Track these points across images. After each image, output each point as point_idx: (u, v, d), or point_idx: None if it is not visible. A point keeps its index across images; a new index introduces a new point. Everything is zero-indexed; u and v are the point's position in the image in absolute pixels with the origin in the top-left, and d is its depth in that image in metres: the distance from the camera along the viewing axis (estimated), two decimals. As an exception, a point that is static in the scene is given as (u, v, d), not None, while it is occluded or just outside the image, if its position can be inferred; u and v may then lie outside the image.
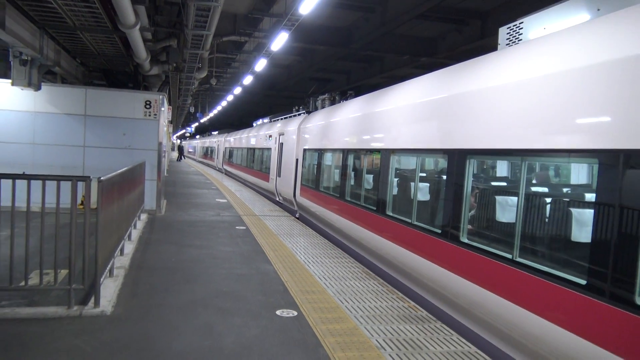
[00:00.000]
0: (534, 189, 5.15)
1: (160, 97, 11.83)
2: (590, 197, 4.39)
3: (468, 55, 7.20)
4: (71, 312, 4.84)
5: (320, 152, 11.81)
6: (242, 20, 15.66)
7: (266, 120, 23.20)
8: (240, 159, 26.31)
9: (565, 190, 5.41)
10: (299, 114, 16.21)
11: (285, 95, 31.63)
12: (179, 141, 68.78)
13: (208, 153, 46.47)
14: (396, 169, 7.73)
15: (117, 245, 6.47)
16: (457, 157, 5.74)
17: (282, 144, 16.24)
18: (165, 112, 14.25)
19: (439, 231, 6.00)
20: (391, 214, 7.55)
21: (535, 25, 5.75)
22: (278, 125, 17.77)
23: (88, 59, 13.32)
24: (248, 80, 19.86)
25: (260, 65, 15.65)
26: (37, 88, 9.99)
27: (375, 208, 8.09)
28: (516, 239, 4.67)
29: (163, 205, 12.72)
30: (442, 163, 6.31)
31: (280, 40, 11.89)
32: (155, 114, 11.68)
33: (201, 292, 5.86)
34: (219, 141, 37.77)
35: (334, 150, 10.89)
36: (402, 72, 19.78)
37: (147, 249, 8.01)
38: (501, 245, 4.93)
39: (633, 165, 3.50)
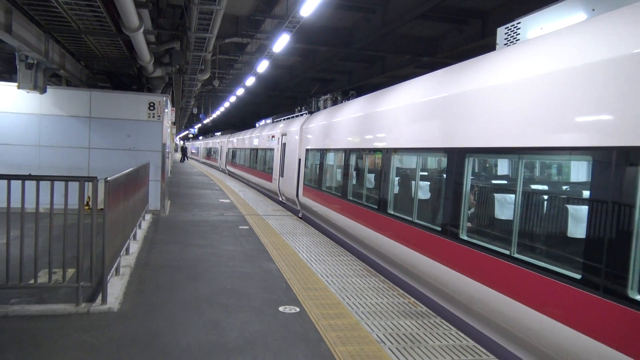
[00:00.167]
0: (530, 186, 5.25)
1: (164, 98, 11.97)
2: (585, 193, 4.49)
3: (469, 55, 7.30)
4: (79, 309, 4.98)
5: (323, 152, 11.92)
6: (244, 22, 15.80)
7: (269, 120, 23.34)
8: (243, 160, 26.45)
9: (560, 187, 5.51)
10: (302, 115, 16.33)
11: (288, 95, 31.76)
12: (182, 142, 69.00)
13: (211, 154, 46.66)
14: (397, 168, 7.84)
15: (123, 244, 6.60)
16: (456, 156, 5.85)
17: (284, 144, 16.36)
18: (169, 114, 14.40)
19: (439, 229, 6.11)
20: (392, 212, 7.66)
21: (532, 25, 5.84)
22: (280, 126, 17.89)
23: (92, 62, 13.49)
24: (250, 81, 19.99)
25: (262, 66, 15.78)
26: (43, 91, 10.15)
27: (376, 207, 8.20)
28: (514, 236, 4.77)
29: (167, 205, 12.86)
30: (442, 162, 6.42)
31: (281, 42, 12.02)
32: (159, 116, 11.82)
33: (206, 290, 5.98)
34: (222, 142, 37.93)
35: (336, 150, 11.00)
36: (403, 72, 19.88)
37: (152, 248, 8.15)
38: (499, 242, 5.03)
39: (626, 162, 3.60)
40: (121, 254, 6.46)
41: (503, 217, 5.29)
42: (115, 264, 5.99)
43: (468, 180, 5.68)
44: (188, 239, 9.09)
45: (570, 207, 4.56)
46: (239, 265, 7.29)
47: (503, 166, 6.15)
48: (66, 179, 5.07)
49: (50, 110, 11.25)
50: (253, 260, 7.60)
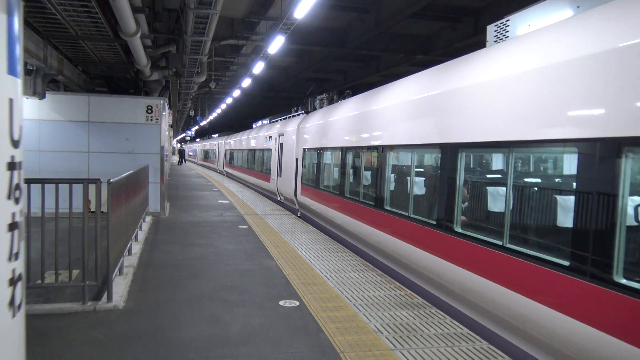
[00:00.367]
0: (519, 178, 5.41)
1: (162, 102, 12.12)
2: (571, 184, 4.65)
3: (462, 52, 7.46)
4: (86, 307, 5.13)
5: (320, 151, 12.08)
6: (239, 24, 15.93)
7: (265, 121, 23.47)
8: (241, 161, 26.59)
9: (548, 178, 5.68)
10: (298, 115, 16.48)
11: (284, 96, 31.86)
12: (179, 145, 69.03)
13: (209, 156, 46.75)
14: (392, 165, 8.01)
15: (125, 245, 6.76)
16: (449, 151, 6.01)
17: (282, 144, 16.51)
18: (167, 117, 14.54)
19: (434, 222, 6.27)
20: (389, 208, 7.82)
21: (520, 23, 6.00)
22: (277, 126, 18.04)
23: (90, 67, 13.62)
24: (246, 82, 20.12)
25: (258, 68, 15.92)
26: (42, 96, 10.28)
27: (373, 203, 8.37)
28: (505, 227, 4.93)
29: (167, 207, 13.01)
30: (436, 157, 6.58)
31: (276, 44, 12.17)
32: (156, 119, 11.97)
33: (207, 287, 6.14)
34: (219, 144, 38.05)
35: (333, 149, 11.16)
36: (398, 70, 20.02)
37: (154, 248, 8.30)
38: (492, 233, 5.19)
39: (609, 153, 3.76)
40: (124, 254, 6.61)
41: (495, 209, 5.46)
42: (119, 264, 6.14)
43: (461, 174, 5.85)
44: (188, 239, 9.24)
45: (557, 197, 4.73)
46: (239, 263, 7.45)
47: (493, 160, 6.32)
48: (70, 182, 5.22)
49: (49, 115, 11.38)
50: (253, 258, 7.76)
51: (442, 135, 6.23)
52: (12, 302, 1.25)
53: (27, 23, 8.41)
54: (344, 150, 10.19)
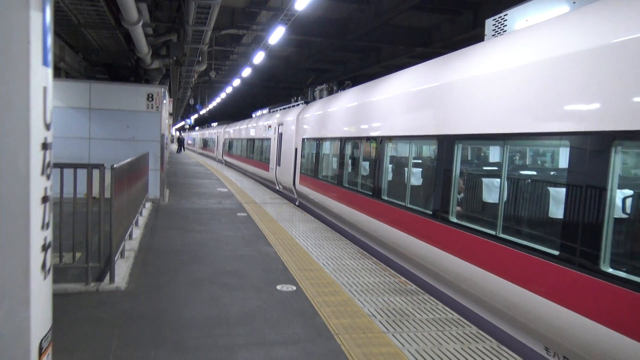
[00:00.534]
0: (513, 170, 5.56)
1: (162, 90, 12.22)
2: (563, 176, 4.79)
3: (461, 45, 7.56)
4: (89, 287, 5.30)
5: (319, 141, 12.22)
6: (240, 14, 15.99)
7: (265, 111, 23.56)
8: (240, 150, 26.70)
9: (541, 170, 5.83)
10: (298, 105, 16.59)
11: (284, 86, 31.91)
12: (178, 133, 69.02)
13: (208, 144, 46.83)
14: (390, 156, 8.15)
15: (127, 229, 6.91)
16: (446, 143, 6.14)
17: (281, 134, 16.63)
18: (167, 105, 14.64)
19: (430, 212, 6.43)
20: (386, 198, 7.98)
21: (518, 17, 6.12)
22: (277, 116, 18.15)
23: (91, 54, 13.70)
24: (246, 72, 20.21)
25: (258, 58, 16.01)
26: (44, 83, 10.37)
27: (371, 193, 8.53)
28: (499, 218, 5.07)
29: (166, 194, 13.15)
30: (433, 149, 6.72)
31: (277, 35, 12.26)
32: (157, 107, 12.08)
33: (207, 271, 6.31)
34: (218, 132, 38.12)
35: (332, 139, 11.29)
36: (398, 62, 20.10)
37: (154, 233, 8.46)
38: (486, 223, 5.34)
39: (599, 146, 3.89)
40: (125, 238, 6.77)
41: (489, 200, 5.61)
42: (121, 248, 6.30)
43: (457, 166, 5.98)
44: (188, 225, 9.40)
45: (548, 189, 4.88)
46: (238, 249, 7.62)
47: (488, 152, 6.47)
48: (75, 167, 5.37)
49: (51, 101, 11.46)
50: (251, 245, 7.92)
51: (439, 127, 6.37)
52: (44, 266, 1.41)
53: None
54: (343, 140, 10.32)
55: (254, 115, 26.58)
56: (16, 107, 1.24)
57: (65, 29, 10.27)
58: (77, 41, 11.58)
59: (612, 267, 3.80)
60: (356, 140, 9.76)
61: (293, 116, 15.35)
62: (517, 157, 6.23)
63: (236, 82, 24.89)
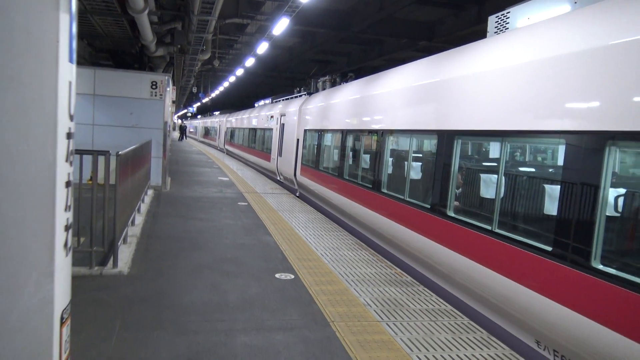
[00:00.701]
0: (510, 167, 5.66)
1: (166, 78, 12.31)
2: (558, 173, 4.89)
3: (465, 40, 7.63)
4: (93, 271, 5.44)
5: (320, 132, 12.31)
6: (245, 3, 16.00)
7: (268, 101, 23.62)
8: (242, 139, 26.79)
9: (536, 167, 5.94)
10: (300, 95, 16.66)
11: (287, 76, 31.91)
12: (180, 121, 69.02)
13: (210, 133, 46.90)
14: (391, 149, 8.25)
15: (129, 215, 7.04)
16: (445, 138, 6.23)
17: (283, 124, 16.71)
18: (170, 93, 14.73)
19: (428, 206, 6.54)
20: (385, 191, 8.10)
21: (520, 15, 6.19)
22: (279, 106, 18.22)
23: (95, 40, 13.75)
24: (250, 62, 20.25)
25: (262, 48, 16.06)
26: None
27: (370, 186, 8.65)
28: (495, 213, 5.17)
29: (168, 182, 13.29)
30: (433, 144, 6.82)
31: (281, 26, 12.32)
32: (161, 94, 12.17)
33: (207, 258, 6.45)
34: (220, 121, 38.18)
35: (333, 131, 11.39)
36: (401, 55, 20.13)
37: (156, 220, 8.60)
38: (482, 218, 5.45)
39: (594, 145, 3.98)
40: (128, 224, 6.90)
41: (486, 196, 5.71)
42: (124, 234, 6.44)
43: (456, 161, 6.08)
44: (189, 213, 9.54)
45: (544, 185, 4.98)
46: (238, 237, 7.75)
47: (486, 148, 6.57)
48: (80, 153, 5.48)
49: (55, 87, 11.55)
50: (251, 234, 8.06)
51: (440, 122, 6.46)
52: (66, 244, 1.53)
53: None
54: (344, 132, 10.42)
55: (256, 105, 26.64)
56: (46, 100, 1.36)
57: (71, 15, 10.32)
58: (82, 27, 11.63)
59: (602, 264, 3.91)
60: (357, 133, 9.86)
61: (295, 107, 15.43)
62: (515, 154, 6.33)
63: (239, 72, 24.93)
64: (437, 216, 6.21)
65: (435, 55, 7.44)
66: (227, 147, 33.11)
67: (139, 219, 8.35)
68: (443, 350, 4.14)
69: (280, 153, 16.68)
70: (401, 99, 7.80)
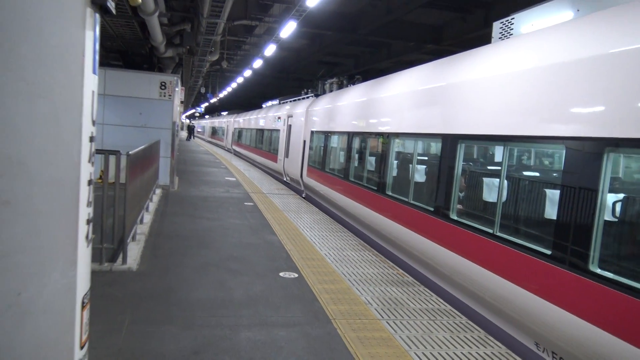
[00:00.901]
0: (513, 171, 5.76)
1: (175, 78, 12.50)
2: (557, 178, 4.99)
3: (472, 43, 7.73)
4: (103, 267, 5.61)
5: (327, 134, 12.44)
6: (253, 5, 16.18)
7: (275, 102, 23.79)
8: (249, 140, 26.98)
9: (538, 171, 6.03)
10: (308, 97, 16.81)
11: (294, 77, 32.09)
12: (188, 121, 69.44)
13: (217, 133, 47.19)
14: (395, 152, 8.36)
15: (138, 213, 7.21)
16: (449, 142, 6.33)
17: (290, 125, 16.87)
18: (179, 93, 14.93)
19: (432, 209, 6.63)
20: (390, 193, 8.21)
21: (525, 21, 6.28)
22: (287, 108, 18.38)
23: (105, 41, 13.96)
24: (258, 63, 20.43)
25: (270, 50, 16.23)
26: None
27: (376, 188, 8.77)
28: (497, 217, 5.26)
29: (176, 181, 13.48)
30: (437, 147, 6.92)
31: (288, 29, 12.48)
32: (169, 95, 12.37)
33: (214, 256, 6.60)
34: (228, 122, 38.44)
35: (340, 133, 11.51)
36: (409, 58, 20.23)
37: (164, 219, 8.77)
38: (484, 222, 5.54)
39: (594, 151, 4.07)
40: (137, 222, 7.07)
41: (489, 200, 5.80)
42: (133, 231, 6.61)
43: (459, 164, 6.18)
44: (196, 212, 9.70)
45: (545, 190, 5.07)
46: (244, 236, 7.91)
47: (488, 152, 6.67)
48: (92, 152, 5.65)
49: (67, 87, 11.76)
50: (257, 233, 8.21)
51: (444, 126, 6.55)
52: (87, 236, 1.69)
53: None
54: (350, 135, 10.54)
55: (264, 106, 26.83)
56: (73, 107, 1.52)
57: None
58: (94, 28, 11.85)
59: (600, 268, 3.99)
60: (363, 136, 9.98)
61: (302, 109, 15.58)
62: (517, 159, 6.42)
63: (247, 73, 25.13)
64: (439, 219, 6.32)
65: (440, 59, 7.55)
66: (234, 147, 33.33)
67: (148, 218, 8.53)
68: (440, 348, 4.26)
69: (287, 154, 16.83)
70: (406, 103, 7.92)
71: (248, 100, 50.70)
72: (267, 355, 3.91)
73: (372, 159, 9.44)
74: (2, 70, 1.33)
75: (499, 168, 5.41)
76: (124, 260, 5.76)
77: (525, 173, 6.13)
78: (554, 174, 5.51)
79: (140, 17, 9.10)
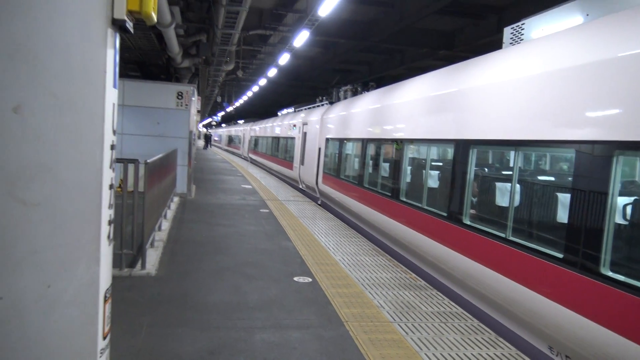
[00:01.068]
0: (524, 175, 5.79)
1: (191, 88, 12.77)
2: (568, 182, 5.01)
3: (485, 48, 7.77)
4: (122, 272, 5.79)
5: (342, 141, 12.56)
6: (268, 15, 16.44)
7: (290, 110, 24.02)
8: (265, 148, 27.24)
9: (548, 176, 6.05)
10: (322, 105, 16.97)
11: (309, 85, 32.32)
12: (205, 130, 70.26)
13: (234, 141, 47.66)
14: (409, 158, 8.43)
15: (157, 221, 7.41)
16: (461, 147, 6.38)
17: (305, 133, 17.03)
18: (195, 103, 15.21)
19: (445, 214, 6.68)
20: (404, 199, 8.28)
21: (535, 26, 6.32)
22: (302, 115, 18.56)
23: (124, 52, 14.32)
24: (272, 72, 20.68)
25: (284, 59, 16.45)
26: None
27: (390, 194, 8.84)
28: (509, 221, 5.30)
29: (193, 189, 13.71)
30: (450, 153, 6.97)
31: (301, 38, 12.67)
32: (186, 105, 12.63)
33: (229, 262, 6.75)
34: (244, 130, 38.84)
35: (354, 140, 11.61)
36: (422, 64, 20.29)
37: (181, 226, 8.96)
38: (496, 226, 5.58)
39: (603, 154, 4.11)
40: (155, 229, 7.27)
41: (501, 204, 5.83)
42: (151, 238, 6.79)
43: (472, 169, 6.22)
44: (213, 219, 9.88)
45: (557, 194, 5.09)
46: (259, 242, 8.05)
47: (504, 157, 6.70)
48: (112, 161, 5.85)
49: (87, 98, 12.09)
50: (272, 239, 8.35)
51: (456, 132, 6.61)
52: (109, 236, 1.84)
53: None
54: (365, 141, 10.64)
55: (279, 114, 27.08)
56: (95, 118, 1.67)
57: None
58: (113, 41, 12.18)
59: (612, 271, 4.01)
60: (377, 142, 10.07)
61: (317, 116, 15.73)
62: (527, 163, 6.45)
63: (262, 82, 25.43)
64: (452, 223, 6.37)
65: (452, 66, 7.63)
66: (250, 155, 33.64)
67: (166, 225, 8.72)
68: (451, 349, 4.32)
69: (302, 161, 16.97)
70: (418, 109, 8.00)
71: (264, 108, 51.09)
72: (280, 356, 4.02)
73: (386, 165, 9.52)
74: (34, 86, 1.48)
75: (510, 172, 5.46)
76: (143, 266, 5.93)
77: (536, 177, 6.17)
78: (565, 178, 5.54)
79: (157, 29, 9.36)
